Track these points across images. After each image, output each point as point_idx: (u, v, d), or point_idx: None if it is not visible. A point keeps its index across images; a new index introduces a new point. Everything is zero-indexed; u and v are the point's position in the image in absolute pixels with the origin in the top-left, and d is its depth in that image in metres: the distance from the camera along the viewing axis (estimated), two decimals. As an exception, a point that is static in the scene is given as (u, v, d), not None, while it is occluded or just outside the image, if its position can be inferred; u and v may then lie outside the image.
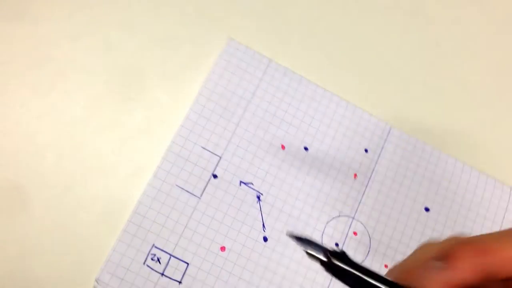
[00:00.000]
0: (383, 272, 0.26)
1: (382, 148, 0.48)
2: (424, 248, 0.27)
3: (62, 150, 0.40)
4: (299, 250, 0.43)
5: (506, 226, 0.48)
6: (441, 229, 0.46)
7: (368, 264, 0.44)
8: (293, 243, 0.42)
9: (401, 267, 0.26)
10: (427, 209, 0.47)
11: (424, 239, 0.46)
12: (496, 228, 0.48)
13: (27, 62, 0.42)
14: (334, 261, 0.26)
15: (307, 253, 0.27)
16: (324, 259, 0.26)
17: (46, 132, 0.41)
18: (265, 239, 0.42)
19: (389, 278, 0.25)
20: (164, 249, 0.40)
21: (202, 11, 0.47)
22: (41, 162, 0.40)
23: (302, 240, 0.28)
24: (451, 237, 0.26)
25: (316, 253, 0.27)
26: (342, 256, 0.26)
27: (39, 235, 0.38)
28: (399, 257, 0.45)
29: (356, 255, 0.44)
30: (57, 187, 0.40)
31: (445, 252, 0.24)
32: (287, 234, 0.42)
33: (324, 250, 0.26)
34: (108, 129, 0.42)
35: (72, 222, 0.39)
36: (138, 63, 0.44)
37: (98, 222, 0.40)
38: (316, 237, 0.44)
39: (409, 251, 0.44)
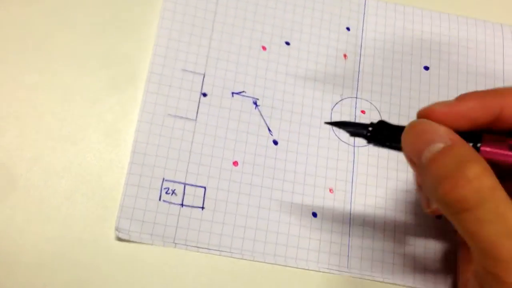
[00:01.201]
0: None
1: (363, 21, 0.45)
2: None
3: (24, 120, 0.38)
4: (311, 145, 0.41)
5: (508, 62, 0.46)
6: (445, 82, 0.44)
7: (385, 135, 0.42)
8: (305, 140, 0.40)
9: (424, 107, 0.27)
10: (426, 68, 0.45)
11: (431, 97, 0.44)
12: (499, 68, 0.46)
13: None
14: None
15: (351, 133, 0.30)
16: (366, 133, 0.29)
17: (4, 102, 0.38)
18: (275, 142, 0.40)
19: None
20: (176, 180, 0.38)
21: None
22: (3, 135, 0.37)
23: (340, 124, 0.32)
24: None
25: (358, 131, 0.30)
26: (381, 124, 0.29)
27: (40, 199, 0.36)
28: (413, 122, 0.43)
29: (370, 132, 0.42)
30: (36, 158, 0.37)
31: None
32: (325, 123, 0.40)
33: (365, 126, 0.29)
34: (72, 93, 0.39)
35: (78, 172, 0.37)
36: (92, 19, 0.41)
37: (102, 173, 0.37)
38: (325, 126, 0.42)
39: (421, 110, 0.42)
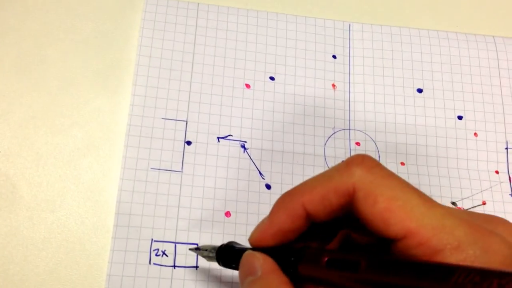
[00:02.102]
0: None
1: (350, 47, 0.43)
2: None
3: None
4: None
5: (504, 75, 0.44)
6: (441, 104, 0.42)
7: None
8: (299, 180, 0.38)
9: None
10: (419, 90, 0.42)
11: (428, 121, 0.42)
12: (495, 83, 0.44)
13: None
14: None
15: (206, 258, 0.30)
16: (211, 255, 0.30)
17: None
18: (268, 186, 0.38)
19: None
20: (166, 239, 0.35)
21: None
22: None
23: (196, 249, 0.31)
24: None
25: (208, 254, 0.30)
26: (227, 247, 0.29)
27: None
28: (412, 150, 0.41)
29: (368, 165, 0.39)
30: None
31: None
32: (189, 250, 0.35)
33: (212, 249, 0.30)
34: (45, 157, 0.36)
35: (63, 235, 0.34)
36: (62, 74, 0.38)
37: (85, 240, 0.34)
38: (320, 163, 0.39)
39: (419, 140, 0.40)
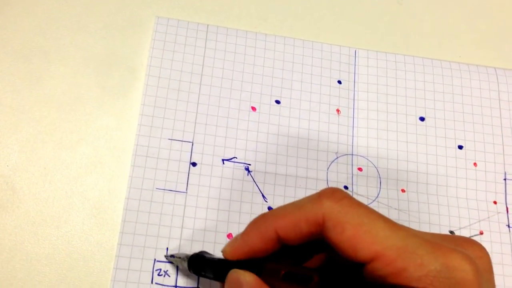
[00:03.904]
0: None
1: (355, 73, 0.44)
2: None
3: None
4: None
5: (504, 107, 0.45)
6: (443, 133, 0.43)
7: (384, 193, 0.40)
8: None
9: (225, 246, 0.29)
10: (422, 119, 0.43)
11: (429, 149, 0.42)
12: (496, 114, 0.45)
13: None
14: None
15: (177, 266, 0.34)
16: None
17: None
18: (270, 209, 0.38)
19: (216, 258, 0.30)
20: (168, 260, 0.36)
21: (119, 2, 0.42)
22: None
23: (171, 256, 0.34)
24: None
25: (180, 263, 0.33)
26: (198, 257, 0.31)
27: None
28: (412, 177, 0.41)
29: (368, 190, 0.40)
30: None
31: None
32: (165, 256, 0.36)
33: (185, 257, 0.32)
34: (52, 172, 0.37)
35: (65, 252, 0.34)
36: (71, 90, 0.39)
37: (88, 257, 0.35)
38: (322, 187, 0.40)
39: (420, 168, 0.41)
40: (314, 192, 0.39)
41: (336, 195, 0.24)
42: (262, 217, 0.27)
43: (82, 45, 0.40)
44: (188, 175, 0.38)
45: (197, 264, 0.31)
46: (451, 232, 0.40)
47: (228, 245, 0.28)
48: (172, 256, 0.34)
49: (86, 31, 0.41)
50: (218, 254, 0.36)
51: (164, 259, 0.35)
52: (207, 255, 0.31)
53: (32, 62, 0.39)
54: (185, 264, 0.32)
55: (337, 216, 0.24)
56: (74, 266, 0.34)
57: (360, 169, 0.41)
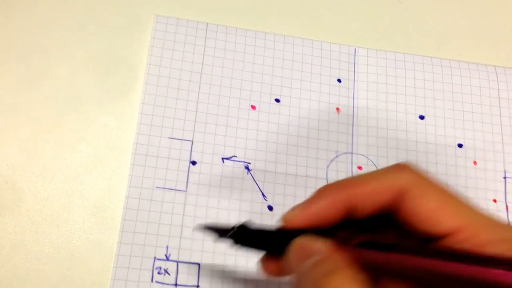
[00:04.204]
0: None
1: (354, 72, 0.44)
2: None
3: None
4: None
5: (504, 105, 0.45)
6: (442, 132, 0.43)
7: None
8: (300, 201, 0.38)
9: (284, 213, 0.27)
10: (421, 117, 0.43)
11: (429, 148, 0.42)
12: (495, 112, 0.44)
13: None
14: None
15: (218, 236, 0.28)
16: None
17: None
18: (270, 208, 0.38)
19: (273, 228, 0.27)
20: (168, 258, 0.36)
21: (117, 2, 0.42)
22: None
23: (208, 228, 0.29)
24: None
25: (221, 237, 0.28)
26: (243, 228, 0.28)
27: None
28: (412, 176, 0.41)
29: (369, 190, 0.40)
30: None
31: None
32: (193, 230, 0.36)
33: (229, 230, 0.28)
34: (52, 171, 0.37)
35: (68, 250, 0.34)
36: (71, 90, 0.39)
37: (89, 256, 0.35)
38: (320, 185, 0.40)
39: (420, 166, 0.41)
40: (313, 191, 0.39)
41: (416, 167, 0.25)
42: (333, 185, 0.26)
43: (81, 44, 0.40)
44: (188, 173, 0.38)
45: (245, 235, 0.27)
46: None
47: (289, 212, 0.26)
48: (209, 228, 0.29)
49: (85, 30, 0.41)
50: (217, 254, 0.36)
51: (164, 257, 0.35)
52: (253, 226, 0.28)
53: (32, 61, 0.39)
54: (226, 236, 0.28)
55: (421, 187, 0.24)
56: (74, 264, 0.34)
57: (360, 167, 0.41)
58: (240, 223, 0.28)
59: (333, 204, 0.25)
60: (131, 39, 0.41)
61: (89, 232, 0.35)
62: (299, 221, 0.25)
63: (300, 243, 0.25)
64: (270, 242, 0.27)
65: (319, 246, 0.24)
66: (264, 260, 0.28)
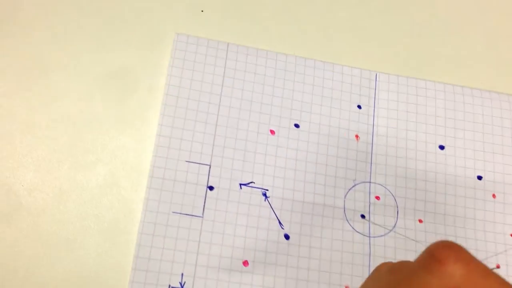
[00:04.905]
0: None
1: (375, 98, 0.43)
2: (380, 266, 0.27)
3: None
4: (325, 238, 0.38)
5: (525, 137, 0.44)
6: (462, 163, 0.42)
7: (401, 223, 0.40)
8: (318, 232, 0.38)
9: None
10: (441, 147, 0.43)
11: (448, 179, 0.42)
12: (508, 142, 0.44)
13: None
14: None
15: None
16: None
17: None
18: (287, 236, 0.38)
19: None
20: (183, 286, 0.35)
21: (137, 17, 0.41)
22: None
23: None
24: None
25: None
26: None
27: None
28: (430, 208, 0.41)
29: (386, 220, 0.40)
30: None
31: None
32: None
33: None
34: (68, 193, 0.36)
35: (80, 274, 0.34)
36: (88, 109, 0.38)
37: (102, 282, 0.34)
38: (339, 215, 0.39)
39: (438, 198, 0.40)
40: (330, 220, 0.39)
41: (461, 255, 0.21)
42: None
43: (100, 62, 0.39)
44: (205, 199, 0.37)
45: None
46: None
47: None
48: None
49: (103, 47, 0.40)
50: (232, 284, 0.35)
51: (179, 286, 0.35)
52: None
53: (49, 79, 0.38)
54: None
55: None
56: (87, 290, 0.34)
57: (377, 197, 0.40)
58: None
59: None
60: (150, 57, 0.40)
61: (103, 257, 0.35)
62: None
63: None
64: None
65: None
66: None
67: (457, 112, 0.44)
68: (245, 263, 0.37)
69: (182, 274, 0.35)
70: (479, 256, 0.40)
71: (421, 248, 0.39)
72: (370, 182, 0.41)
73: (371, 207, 0.40)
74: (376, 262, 0.38)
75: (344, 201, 0.40)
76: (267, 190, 0.39)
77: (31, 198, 0.35)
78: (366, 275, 0.38)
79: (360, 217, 0.40)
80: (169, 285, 0.35)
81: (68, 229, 0.35)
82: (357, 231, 0.39)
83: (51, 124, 0.37)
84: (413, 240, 0.39)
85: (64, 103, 0.38)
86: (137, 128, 0.38)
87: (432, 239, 0.40)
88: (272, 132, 0.40)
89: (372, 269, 0.38)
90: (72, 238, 0.35)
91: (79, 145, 0.37)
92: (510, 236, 0.41)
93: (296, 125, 0.41)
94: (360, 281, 0.38)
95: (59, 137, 0.37)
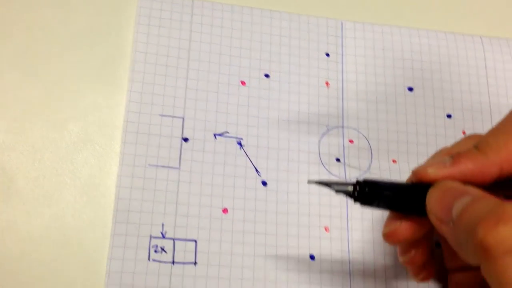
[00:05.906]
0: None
1: (342, 45, 0.44)
2: (441, 151, 0.31)
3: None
4: (302, 182, 0.39)
5: (491, 75, 0.45)
6: (431, 103, 0.43)
7: (376, 164, 0.40)
8: (295, 177, 0.39)
9: (418, 167, 0.27)
10: (410, 89, 0.43)
11: (418, 119, 0.43)
12: (483, 82, 0.45)
13: None
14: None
15: (337, 191, 0.28)
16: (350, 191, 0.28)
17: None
18: (264, 183, 0.38)
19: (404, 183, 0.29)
20: (164, 236, 0.35)
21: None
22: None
23: (324, 184, 0.29)
24: (466, 138, 0.30)
25: (343, 189, 0.28)
26: (366, 183, 0.27)
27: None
28: (403, 148, 0.41)
29: (361, 162, 0.40)
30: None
31: (456, 152, 0.26)
32: (308, 183, 0.37)
33: (349, 184, 0.28)
34: (42, 151, 0.36)
35: (63, 223, 0.34)
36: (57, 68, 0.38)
37: (82, 236, 0.34)
38: (314, 160, 0.40)
39: (409, 138, 0.41)
40: (306, 165, 0.39)
41: None
42: (481, 150, 0.25)
43: (66, 22, 0.39)
44: (181, 150, 0.38)
45: (371, 191, 0.27)
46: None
47: (434, 167, 0.26)
48: (323, 183, 0.29)
49: (69, 7, 0.40)
50: (214, 231, 0.36)
51: (160, 235, 0.35)
52: (381, 181, 0.28)
53: (16, 41, 0.38)
54: (347, 192, 0.28)
55: None
56: (67, 244, 0.34)
57: (351, 141, 0.41)
58: (363, 179, 0.28)
59: (480, 171, 0.25)
60: (116, 15, 0.40)
61: (81, 211, 0.35)
62: (438, 177, 0.25)
63: (447, 185, 0.24)
64: (400, 198, 0.26)
65: (469, 188, 0.23)
66: (391, 222, 0.28)
67: (423, 54, 0.45)
68: (225, 210, 0.37)
69: (162, 224, 0.36)
70: (453, 190, 0.41)
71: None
72: (343, 127, 0.41)
73: (346, 151, 0.41)
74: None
75: (319, 146, 0.40)
76: (241, 139, 0.39)
77: (5, 157, 0.35)
78: (345, 215, 0.39)
79: (335, 161, 0.40)
80: (151, 235, 0.35)
81: (44, 186, 0.35)
82: (333, 174, 0.40)
83: (20, 84, 0.37)
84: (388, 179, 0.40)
85: (32, 64, 0.37)
86: (108, 85, 0.38)
87: (407, 178, 0.41)
88: (243, 83, 0.41)
89: (349, 209, 0.39)
90: (49, 195, 0.35)
91: (50, 104, 0.37)
92: (481, 170, 0.42)
93: (266, 75, 0.41)
94: (339, 221, 0.38)
95: (30, 97, 0.37)
